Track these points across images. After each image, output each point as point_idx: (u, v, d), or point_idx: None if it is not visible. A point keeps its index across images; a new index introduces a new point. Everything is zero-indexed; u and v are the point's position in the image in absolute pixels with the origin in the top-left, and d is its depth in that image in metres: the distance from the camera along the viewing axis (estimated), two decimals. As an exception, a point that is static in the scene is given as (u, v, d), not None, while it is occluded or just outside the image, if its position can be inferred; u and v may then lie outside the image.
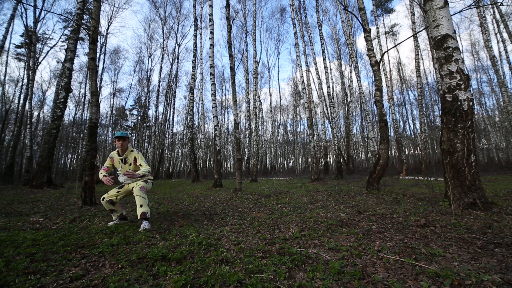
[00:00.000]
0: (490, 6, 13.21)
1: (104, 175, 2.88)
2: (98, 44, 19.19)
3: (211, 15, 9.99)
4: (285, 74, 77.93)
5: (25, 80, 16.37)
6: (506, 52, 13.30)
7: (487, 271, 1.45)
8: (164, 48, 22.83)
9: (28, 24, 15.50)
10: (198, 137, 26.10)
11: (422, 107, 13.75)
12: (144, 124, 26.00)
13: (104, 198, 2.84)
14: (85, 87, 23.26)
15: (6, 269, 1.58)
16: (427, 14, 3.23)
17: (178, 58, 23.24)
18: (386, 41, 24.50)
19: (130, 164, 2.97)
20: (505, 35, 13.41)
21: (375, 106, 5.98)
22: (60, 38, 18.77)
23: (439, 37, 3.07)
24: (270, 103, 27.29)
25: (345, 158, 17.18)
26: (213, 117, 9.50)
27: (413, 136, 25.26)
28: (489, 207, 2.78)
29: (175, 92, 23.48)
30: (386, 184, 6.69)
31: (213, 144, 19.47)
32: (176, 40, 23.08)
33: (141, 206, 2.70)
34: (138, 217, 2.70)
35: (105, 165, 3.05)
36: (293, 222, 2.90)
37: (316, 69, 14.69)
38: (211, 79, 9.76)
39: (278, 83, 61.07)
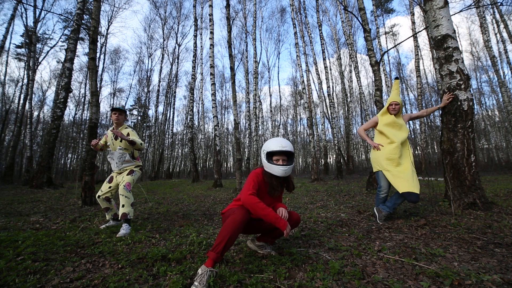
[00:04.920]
0: (490, 6, 13.21)
1: (93, 140, 2.89)
2: (98, 44, 19.19)
3: (211, 15, 9.99)
4: (285, 74, 78.10)
5: (25, 80, 16.38)
6: (506, 52, 13.29)
7: (487, 271, 1.45)
8: (164, 48, 22.84)
9: (28, 24, 15.50)
10: (198, 137, 26.09)
11: (422, 107, 13.76)
12: (144, 124, 26.00)
13: (99, 196, 2.78)
14: (85, 87, 23.26)
15: (6, 269, 1.58)
16: (427, 14, 3.22)
17: (178, 58, 23.24)
18: (386, 41, 24.50)
19: (121, 141, 2.86)
20: (505, 35, 13.41)
21: (375, 106, 5.98)
22: (60, 38, 18.79)
23: (439, 37, 3.07)
24: (270, 103, 27.29)
25: (345, 158, 17.17)
26: (213, 117, 9.50)
27: (413, 136, 25.26)
28: (489, 207, 2.77)
29: (175, 92, 23.49)
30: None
31: (213, 144, 19.46)
32: (176, 40, 23.08)
33: (123, 206, 2.60)
34: (119, 218, 2.62)
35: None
36: (293, 222, 2.89)
37: (316, 69, 14.69)
38: (211, 79, 9.76)
39: (278, 83, 61.20)
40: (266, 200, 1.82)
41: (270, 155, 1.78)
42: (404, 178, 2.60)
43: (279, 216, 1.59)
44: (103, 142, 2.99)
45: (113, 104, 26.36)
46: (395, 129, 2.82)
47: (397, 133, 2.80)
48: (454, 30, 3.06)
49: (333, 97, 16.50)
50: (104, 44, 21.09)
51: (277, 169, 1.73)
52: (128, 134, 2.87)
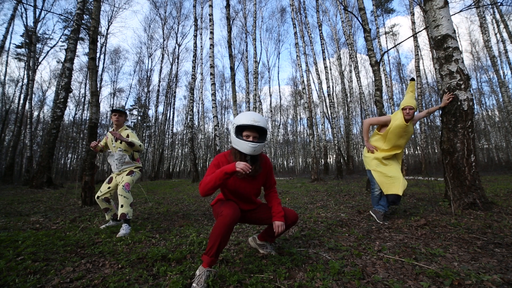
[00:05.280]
0: (490, 6, 13.21)
1: (93, 142, 2.93)
2: (98, 44, 19.19)
3: (211, 15, 10.00)
4: (285, 74, 78.19)
5: (25, 80, 16.38)
6: (506, 52, 13.29)
7: (487, 271, 1.45)
8: (164, 48, 22.83)
9: (28, 24, 15.50)
10: (198, 137, 26.09)
11: (422, 107, 13.75)
12: (144, 124, 26.01)
13: (98, 196, 2.79)
14: (85, 87, 23.26)
15: (6, 269, 1.58)
16: (427, 14, 3.22)
17: (178, 58, 23.24)
18: (386, 41, 24.50)
19: (121, 142, 2.85)
20: (505, 35, 13.40)
21: (375, 106, 5.98)
22: (60, 38, 18.81)
23: (439, 37, 3.07)
24: (270, 103, 27.32)
25: (345, 158, 17.17)
26: (213, 117, 9.50)
27: (413, 136, 25.29)
28: (489, 207, 2.77)
29: (175, 92, 23.49)
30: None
31: (213, 144, 19.46)
32: (176, 40, 23.08)
33: (122, 206, 2.60)
34: (118, 218, 2.63)
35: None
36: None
37: (316, 69, 14.69)
38: (211, 79, 9.76)
39: (278, 83, 61.27)
40: (242, 184, 1.65)
41: (240, 130, 1.60)
42: (389, 181, 2.67)
43: (224, 166, 1.48)
44: (103, 143, 3.01)
45: (113, 104, 26.37)
46: (398, 137, 2.77)
47: (398, 141, 2.78)
48: (454, 30, 3.06)
49: (333, 97, 16.50)
50: (104, 44, 21.09)
51: (245, 145, 1.54)
52: (127, 136, 2.87)
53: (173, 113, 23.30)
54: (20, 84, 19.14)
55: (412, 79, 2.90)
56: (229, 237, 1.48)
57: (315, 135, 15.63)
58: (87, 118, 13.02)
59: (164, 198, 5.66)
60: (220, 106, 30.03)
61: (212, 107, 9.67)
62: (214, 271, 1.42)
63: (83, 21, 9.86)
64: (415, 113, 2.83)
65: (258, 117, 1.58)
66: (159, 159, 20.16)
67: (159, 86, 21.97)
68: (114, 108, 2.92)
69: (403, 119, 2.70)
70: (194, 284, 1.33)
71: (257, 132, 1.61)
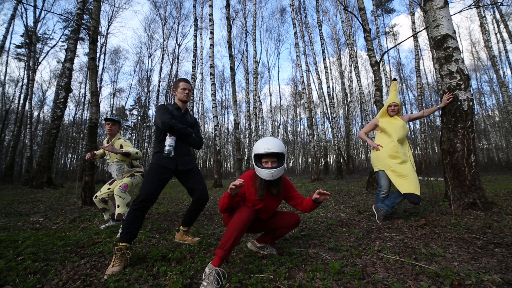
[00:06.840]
0: (490, 6, 13.21)
1: (88, 152, 2.93)
2: (98, 44, 19.18)
3: (211, 15, 10.00)
4: (285, 74, 78.19)
5: (25, 80, 16.38)
6: (506, 52, 13.30)
7: (487, 271, 1.45)
8: (164, 48, 22.84)
9: (28, 24, 15.51)
10: (198, 137, 26.01)
11: (422, 107, 13.75)
12: (144, 124, 25.99)
13: (96, 196, 2.82)
14: (85, 87, 23.25)
15: (6, 269, 1.58)
16: (427, 14, 3.22)
17: (178, 58, 23.24)
18: (386, 41, 24.50)
19: (117, 153, 2.84)
20: (505, 35, 13.41)
21: (375, 106, 5.98)
22: (60, 38, 18.79)
23: (439, 37, 3.07)
24: (270, 103, 27.28)
25: (345, 158, 17.16)
26: (213, 117, 9.50)
27: (413, 136, 25.25)
28: (489, 207, 2.77)
29: (175, 92, 23.45)
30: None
31: (213, 144, 19.44)
32: (176, 40, 23.08)
33: (118, 206, 2.62)
34: (115, 218, 2.64)
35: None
36: (293, 222, 2.89)
37: (316, 69, 14.70)
38: (211, 79, 9.77)
39: (278, 83, 61.26)
40: (268, 200, 1.74)
41: (259, 158, 1.66)
42: (406, 179, 2.61)
43: (225, 192, 1.60)
44: (100, 152, 3.03)
45: (113, 104, 26.38)
46: (393, 127, 2.85)
47: (397, 130, 2.81)
48: (454, 30, 3.06)
49: (333, 97, 16.49)
50: (104, 44, 21.09)
51: (263, 173, 1.62)
52: (121, 146, 2.83)
53: (173, 113, 23.26)
54: (20, 84, 19.16)
55: (394, 79, 3.09)
56: (243, 235, 1.52)
57: (315, 135, 15.63)
58: (87, 118, 13.00)
59: (164, 198, 5.66)
60: (220, 106, 30.02)
61: (212, 107, 9.68)
62: (224, 271, 1.42)
63: (83, 21, 9.85)
64: (406, 113, 2.86)
65: (272, 143, 1.60)
66: (159, 159, 20.11)
67: (159, 86, 21.98)
68: (107, 117, 2.91)
69: (387, 114, 2.94)
70: (204, 283, 1.33)
71: (275, 157, 1.65)
